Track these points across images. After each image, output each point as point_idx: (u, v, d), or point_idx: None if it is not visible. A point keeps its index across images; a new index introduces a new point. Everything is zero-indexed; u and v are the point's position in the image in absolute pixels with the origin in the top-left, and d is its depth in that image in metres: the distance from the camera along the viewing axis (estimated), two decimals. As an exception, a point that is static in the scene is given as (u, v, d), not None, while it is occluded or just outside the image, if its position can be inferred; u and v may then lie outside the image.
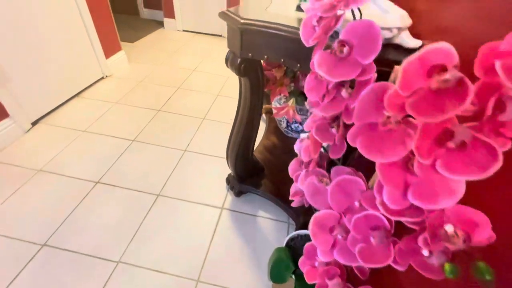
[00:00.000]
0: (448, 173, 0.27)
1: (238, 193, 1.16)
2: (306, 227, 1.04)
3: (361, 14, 0.39)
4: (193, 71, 2.10)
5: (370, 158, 0.31)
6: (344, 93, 0.39)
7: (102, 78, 1.90)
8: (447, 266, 0.29)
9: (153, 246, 0.96)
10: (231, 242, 1.00)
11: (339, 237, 0.42)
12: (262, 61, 0.84)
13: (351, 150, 0.46)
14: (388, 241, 0.36)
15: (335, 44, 0.36)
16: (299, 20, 0.67)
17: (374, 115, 0.33)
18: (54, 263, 0.89)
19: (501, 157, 0.23)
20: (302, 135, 1.06)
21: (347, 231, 0.42)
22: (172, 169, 1.26)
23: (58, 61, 1.55)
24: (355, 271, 0.45)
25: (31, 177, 1.16)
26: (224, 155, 1.36)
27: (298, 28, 0.61)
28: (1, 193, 1.09)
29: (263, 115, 1.59)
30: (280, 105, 1.23)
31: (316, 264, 0.50)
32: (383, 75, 0.40)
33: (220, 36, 2.84)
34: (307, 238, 0.78)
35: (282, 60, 0.68)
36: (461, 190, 0.28)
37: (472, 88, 0.23)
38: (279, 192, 1.12)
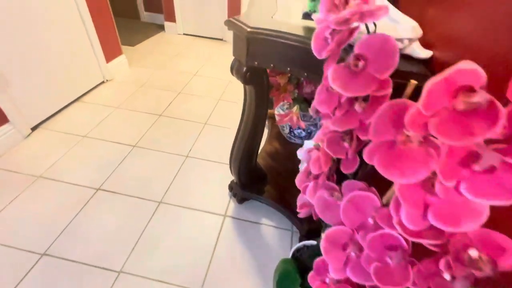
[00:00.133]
0: (473, 197, 0.26)
1: (241, 200, 1.15)
2: (310, 235, 1.03)
3: (375, 27, 0.38)
4: (194, 75, 2.09)
5: (389, 178, 0.30)
6: (357, 107, 0.38)
7: (103, 82, 1.89)
8: (471, 292, 0.28)
9: (155, 255, 0.94)
10: (234, 251, 0.98)
11: (352, 254, 0.41)
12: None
13: (361, 162, 0.45)
14: (405, 262, 0.35)
15: (350, 58, 0.36)
16: (306, 29, 0.66)
17: (392, 132, 0.32)
18: (54, 273, 0.87)
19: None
20: (306, 143, 1.05)
21: (360, 249, 0.40)
22: (174, 175, 1.25)
23: (59, 65, 1.54)
24: (368, 289, 0.44)
25: (31, 184, 1.15)
26: (226, 161, 1.35)
27: (305, 37, 0.60)
28: (0, 201, 1.07)
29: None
30: (283, 111, 1.22)
31: (327, 280, 0.48)
32: (394, 86, 0.39)
33: (221, 40, 2.83)
34: (313, 248, 0.77)
35: (288, 68, 0.67)
36: (485, 214, 0.27)
37: (504, 111, 0.22)
38: (282, 199, 1.10)
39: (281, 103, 1.25)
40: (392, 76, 0.39)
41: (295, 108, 1.06)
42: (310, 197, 0.55)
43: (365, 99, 0.40)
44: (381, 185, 0.50)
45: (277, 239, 1.04)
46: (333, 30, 0.39)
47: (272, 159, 1.30)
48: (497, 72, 0.47)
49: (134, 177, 1.22)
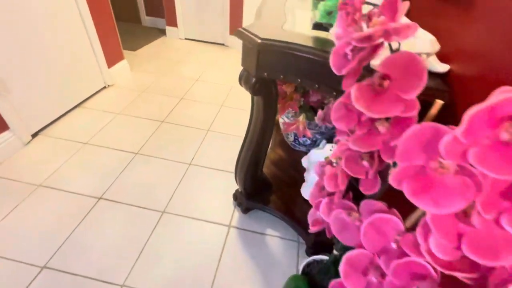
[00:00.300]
0: (515, 231, 0.24)
1: (246, 210, 1.13)
2: (317, 247, 1.01)
3: (399, 45, 0.37)
4: (196, 81, 2.08)
5: (420, 207, 0.29)
6: (381, 128, 0.37)
7: (104, 87, 1.87)
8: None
9: (159, 268, 0.92)
10: (240, 263, 0.96)
11: (374, 279, 0.39)
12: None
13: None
14: (435, 293, 0.33)
15: (375, 77, 0.34)
16: (318, 40, 0.65)
17: (422, 157, 0.30)
18: (55, 287, 0.85)
19: None
20: (313, 152, 1.03)
21: (382, 274, 0.39)
22: (177, 184, 1.23)
23: (60, 70, 1.52)
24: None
25: (31, 193, 1.12)
26: (230, 169, 1.33)
27: (318, 49, 0.59)
28: (-1, 210, 1.05)
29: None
30: (288, 119, 1.20)
31: (344, 304, 0.46)
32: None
33: (223, 45, 2.83)
34: (323, 263, 0.75)
35: (299, 80, 0.66)
36: (527, 247, 0.25)
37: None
38: (287, 209, 1.08)
39: (287, 111, 1.23)
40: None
41: (302, 117, 1.05)
42: (324, 214, 0.53)
43: (388, 118, 0.39)
44: (399, 203, 0.49)
45: (283, 250, 1.02)
46: (355, 46, 0.38)
47: (276, 167, 1.28)
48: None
49: (137, 185, 1.20)
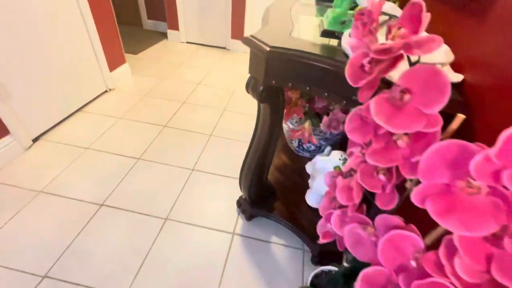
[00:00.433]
0: (552, 257, 0.23)
1: (250, 217, 1.11)
2: (322, 256, 1.00)
3: (419, 57, 0.36)
4: (198, 85, 2.07)
5: (447, 228, 0.28)
6: (400, 142, 0.36)
7: (106, 91, 1.86)
8: None
9: (163, 277, 0.90)
10: (244, 272, 0.94)
11: (392, 298, 0.38)
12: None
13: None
14: (460, 316, 0.31)
15: (395, 91, 0.33)
16: (328, 48, 0.64)
17: (448, 176, 0.29)
18: (56, 297, 0.83)
19: None
20: (319, 159, 1.02)
21: (401, 293, 0.37)
22: (180, 190, 1.21)
23: (61, 74, 1.51)
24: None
25: (31, 199, 1.10)
26: (233, 174, 1.32)
27: (328, 57, 0.58)
28: (-1, 217, 1.03)
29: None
30: (292, 125, 1.19)
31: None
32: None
33: (224, 48, 2.83)
34: (332, 275, 0.74)
35: (308, 88, 0.65)
36: None
37: None
38: (292, 216, 1.07)
39: (291, 117, 1.22)
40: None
41: (307, 124, 1.04)
42: (336, 227, 0.52)
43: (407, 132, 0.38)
44: (412, 214, 0.47)
45: (288, 258, 1.00)
46: (372, 58, 0.37)
47: (280, 173, 1.27)
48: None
49: (139, 191, 1.18)
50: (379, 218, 0.44)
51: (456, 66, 0.54)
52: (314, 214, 1.08)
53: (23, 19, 1.25)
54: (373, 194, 0.44)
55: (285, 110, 1.07)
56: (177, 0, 2.64)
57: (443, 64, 0.48)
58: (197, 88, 2.04)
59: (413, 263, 0.37)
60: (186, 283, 0.89)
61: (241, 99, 1.94)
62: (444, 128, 0.36)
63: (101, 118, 1.61)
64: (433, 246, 0.37)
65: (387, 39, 0.35)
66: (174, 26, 2.82)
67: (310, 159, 1.28)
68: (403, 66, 0.37)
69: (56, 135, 1.45)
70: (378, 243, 0.39)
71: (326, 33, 0.69)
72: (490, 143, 0.42)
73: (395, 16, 0.47)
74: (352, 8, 0.67)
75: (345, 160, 0.85)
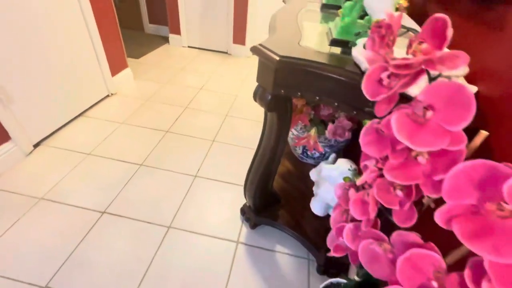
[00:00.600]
0: None
1: (254, 225, 1.10)
2: (328, 266, 0.98)
3: (439, 73, 0.35)
4: (200, 90, 2.07)
5: (477, 252, 0.26)
6: (421, 158, 0.35)
7: (108, 96, 1.85)
8: None
9: (166, 287, 0.88)
10: (249, 282, 0.92)
11: (412, 320, 0.37)
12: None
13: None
14: None
15: (417, 107, 0.32)
16: (338, 58, 0.63)
17: (475, 197, 0.28)
18: (57, 309, 0.81)
19: None
20: (325, 167, 1.00)
21: (421, 314, 0.36)
22: (182, 197, 1.20)
23: (63, 78, 1.50)
24: None
25: (32, 207, 1.09)
26: (236, 181, 1.31)
27: (338, 67, 0.57)
28: (-1, 225, 1.01)
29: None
30: (297, 131, 1.19)
31: None
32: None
33: (226, 53, 2.83)
34: (340, 287, 0.72)
35: (317, 98, 0.64)
36: None
37: None
38: (297, 224, 1.06)
39: (296, 124, 1.21)
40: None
41: (313, 131, 1.03)
42: (349, 241, 0.50)
43: (425, 147, 0.37)
44: (427, 228, 0.46)
45: (293, 268, 0.98)
46: (392, 72, 0.36)
47: (284, 180, 1.26)
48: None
49: (142, 198, 1.17)
50: (395, 235, 0.42)
51: (468, 77, 0.54)
52: (319, 222, 1.07)
53: (24, 23, 1.24)
54: (389, 209, 0.43)
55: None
56: (179, 4, 2.65)
57: (457, 76, 0.48)
58: (199, 93, 2.03)
59: (434, 284, 0.35)
60: (190, 294, 0.88)
61: (243, 104, 1.93)
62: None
63: (103, 123, 1.60)
64: (455, 266, 0.36)
65: (407, 53, 0.34)
66: (176, 30, 2.83)
67: (314, 165, 1.27)
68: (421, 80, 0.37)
69: (57, 141, 1.43)
70: (397, 262, 0.38)
71: (335, 42, 0.68)
72: (508, 157, 0.41)
73: (413, 29, 0.46)
74: (361, 17, 0.67)
75: (354, 170, 0.84)
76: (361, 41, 0.52)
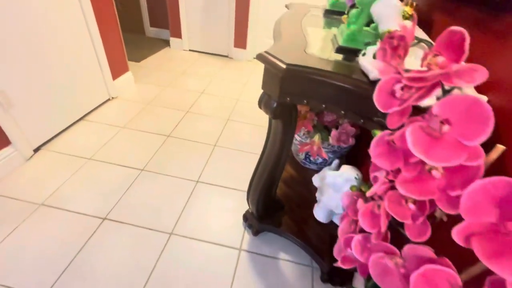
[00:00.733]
0: None
1: (256, 232, 1.09)
2: (332, 274, 0.97)
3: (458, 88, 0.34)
4: (201, 93, 2.06)
5: (497, 273, 0.26)
6: (435, 172, 0.34)
7: (108, 99, 1.84)
8: None
9: (167, 296, 0.87)
10: (253, 290, 0.91)
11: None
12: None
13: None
14: None
15: (434, 121, 0.31)
16: (343, 65, 0.63)
17: (495, 214, 0.27)
18: (57, 319, 0.79)
19: None
20: (329, 173, 0.99)
21: (436, 332, 0.35)
22: (184, 202, 1.19)
23: (64, 83, 1.49)
24: None
25: (32, 213, 1.07)
26: (238, 186, 1.30)
27: (346, 76, 0.57)
28: (-2, 232, 0.99)
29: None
30: (300, 137, 1.18)
31: None
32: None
33: (226, 56, 2.83)
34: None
35: (324, 106, 0.63)
36: None
37: None
38: (300, 231, 1.05)
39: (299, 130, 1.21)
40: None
41: (317, 138, 1.03)
42: (357, 253, 0.49)
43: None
44: (437, 239, 0.45)
45: (297, 276, 0.97)
46: (405, 85, 0.35)
47: (286, 186, 1.25)
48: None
49: (143, 204, 1.16)
50: (407, 249, 0.41)
51: (478, 87, 0.53)
52: (323, 228, 1.06)
53: (25, 26, 1.24)
54: (400, 222, 0.42)
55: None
56: (180, 8, 2.65)
57: (468, 86, 0.47)
58: (200, 97, 2.02)
59: (450, 302, 0.34)
60: (193, 303, 0.86)
61: (245, 108, 1.93)
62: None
63: (104, 127, 1.59)
64: (470, 283, 0.35)
65: (422, 65, 0.34)
66: (177, 34, 2.83)
67: (316, 171, 1.26)
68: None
69: (58, 145, 1.42)
70: (411, 278, 0.37)
71: (341, 50, 0.68)
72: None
73: (426, 41, 0.46)
74: (367, 25, 0.66)
75: (361, 179, 0.83)
76: (370, 50, 0.51)
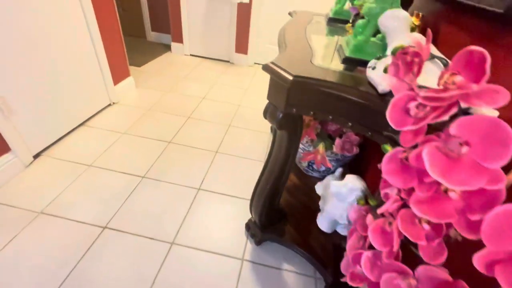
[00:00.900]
0: None
1: (259, 242, 1.07)
2: (336, 286, 0.95)
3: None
4: (202, 99, 2.06)
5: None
6: (452, 194, 0.33)
7: (109, 105, 1.83)
8: None
9: (169, 309, 0.85)
10: (256, 303, 0.89)
11: None
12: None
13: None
14: None
15: (452, 143, 0.30)
16: (351, 77, 0.62)
17: (520, 243, 0.26)
18: (55, 333, 0.77)
19: None
20: (333, 183, 0.98)
21: None
22: (186, 211, 1.17)
23: (65, 89, 1.48)
24: None
25: (31, 222, 1.05)
26: (240, 194, 1.28)
27: (354, 88, 0.56)
28: (-4, 241, 0.98)
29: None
30: (303, 146, 1.17)
31: None
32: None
33: (228, 62, 2.83)
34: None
35: (330, 117, 0.62)
36: None
37: None
38: (303, 241, 1.03)
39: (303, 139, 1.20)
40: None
41: (321, 147, 1.02)
42: (367, 271, 0.48)
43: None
44: (457, 263, 0.44)
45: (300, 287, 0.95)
46: (421, 104, 0.34)
47: (289, 194, 1.24)
48: None
49: (144, 213, 1.14)
50: (421, 269, 0.40)
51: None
52: (326, 238, 1.05)
53: (26, 31, 1.23)
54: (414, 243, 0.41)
55: (297, 131, 1.04)
56: (182, 12, 2.66)
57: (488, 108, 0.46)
58: (202, 102, 2.02)
59: (468, 328, 0.33)
60: (195, 315, 0.84)
61: (246, 114, 1.92)
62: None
63: (105, 133, 1.58)
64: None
65: (438, 84, 0.33)
66: (178, 38, 2.83)
67: (319, 179, 1.25)
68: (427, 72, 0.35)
69: (58, 151, 1.41)
70: (426, 302, 0.35)
71: (348, 61, 0.67)
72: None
73: (440, 58, 0.45)
74: (373, 35, 0.66)
75: (367, 192, 0.82)
76: (379, 63, 0.51)
